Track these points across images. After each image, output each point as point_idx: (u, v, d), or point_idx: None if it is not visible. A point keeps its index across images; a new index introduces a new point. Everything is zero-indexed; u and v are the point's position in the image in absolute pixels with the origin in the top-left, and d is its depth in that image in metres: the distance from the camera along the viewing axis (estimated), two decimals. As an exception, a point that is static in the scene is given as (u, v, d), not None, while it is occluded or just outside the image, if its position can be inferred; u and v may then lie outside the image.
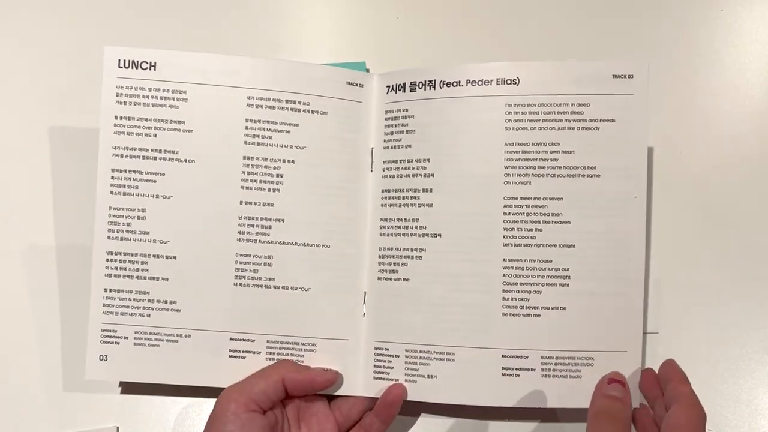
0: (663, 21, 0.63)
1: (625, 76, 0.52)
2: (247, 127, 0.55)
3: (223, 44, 0.65)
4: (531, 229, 0.52)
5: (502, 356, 0.52)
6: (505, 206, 0.53)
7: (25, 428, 0.57)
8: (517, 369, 0.52)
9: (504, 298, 0.52)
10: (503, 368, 0.52)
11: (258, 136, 0.55)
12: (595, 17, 0.64)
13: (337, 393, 0.54)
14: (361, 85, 0.57)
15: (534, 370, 0.52)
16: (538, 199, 0.52)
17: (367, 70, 0.62)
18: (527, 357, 0.52)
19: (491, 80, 0.53)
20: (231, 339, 0.54)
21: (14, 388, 0.58)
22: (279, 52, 0.65)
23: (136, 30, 0.65)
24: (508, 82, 0.53)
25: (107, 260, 0.54)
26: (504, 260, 0.52)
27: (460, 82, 0.54)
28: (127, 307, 0.54)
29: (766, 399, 0.56)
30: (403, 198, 0.55)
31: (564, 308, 0.52)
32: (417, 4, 0.65)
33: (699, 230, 0.59)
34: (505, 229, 0.53)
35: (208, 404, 0.56)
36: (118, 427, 0.57)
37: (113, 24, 0.65)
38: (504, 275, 0.52)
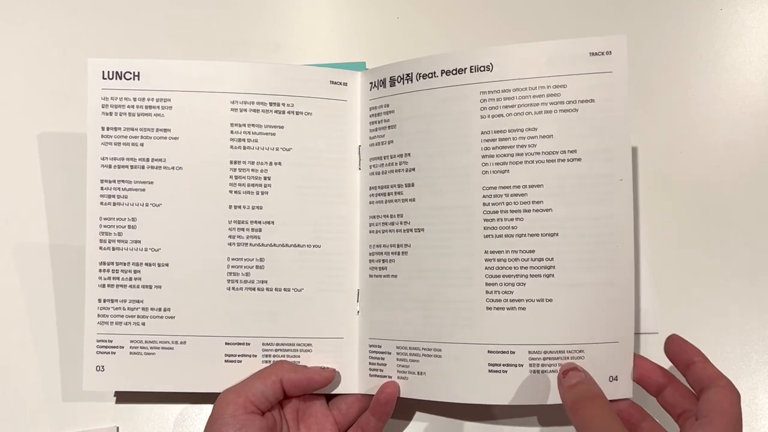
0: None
1: (602, 53, 0.50)
2: (232, 132, 0.55)
3: (223, 46, 0.65)
4: (512, 219, 0.51)
5: (488, 352, 0.50)
6: (484, 197, 0.51)
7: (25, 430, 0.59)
8: (504, 365, 0.50)
9: (487, 292, 0.51)
10: (490, 364, 0.50)
11: (244, 140, 0.55)
12: (595, 17, 0.63)
13: (333, 391, 0.54)
14: (345, 84, 0.56)
15: (522, 365, 0.50)
16: (518, 187, 0.51)
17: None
18: (514, 352, 0.50)
19: (465, 68, 0.52)
20: (226, 343, 0.54)
21: (13, 395, 0.59)
22: (279, 52, 0.65)
23: (131, 33, 0.66)
24: (482, 69, 0.52)
25: (100, 270, 0.55)
26: (485, 252, 0.51)
27: (435, 73, 0.53)
28: (122, 316, 0.55)
29: (766, 399, 0.55)
30: (388, 194, 0.54)
31: (550, 300, 0.50)
32: (417, 4, 0.66)
33: (699, 230, 0.58)
34: (485, 220, 0.51)
35: (208, 405, 0.57)
36: (118, 428, 0.58)
37: (108, 29, 0.66)
38: (486, 268, 0.51)
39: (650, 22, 0.63)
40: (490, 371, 0.50)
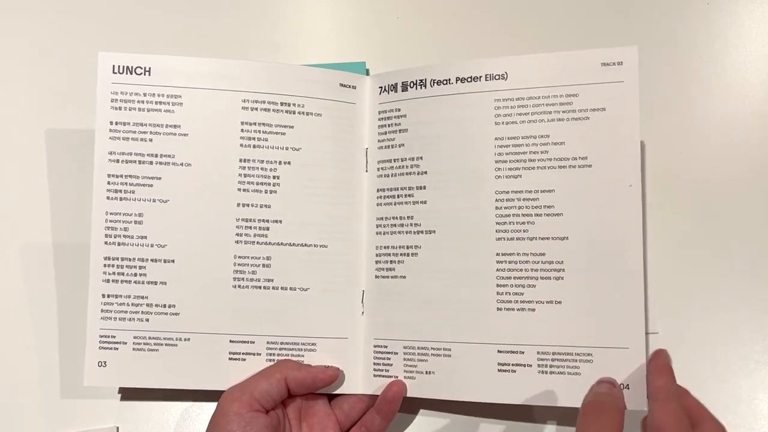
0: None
1: (614, 64, 0.51)
2: (242, 130, 0.55)
3: (223, 45, 0.66)
4: (523, 223, 0.52)
5: (498, 351, 0.51)
6: (496, 200, 0.52)
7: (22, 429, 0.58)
8: (513, 364, 0.51)
9: (498, 293, 0.52)
10: (499, 364, 0.51)
11: (254, 138, 0.55)
12: (595, 18, 0.64)
13: (337, 391, 0.54)
14: (354, 87, 0.57)
15: (530, 365, 0.51)
16: (530, 192, 0.52)
17: (367, 71, 0.62)
18: (523, 352, 0.51)
19: (480, 76, 0.54)
20: (231, 341, 0.54)
21: (11, 392, 0.58)
22: (279, 52, 0.65)
23: (134, 31, 0.66)
24: (497, 77, 0.53)
25: (105, 266, 0.54)
26: (497, 254, 0.52)
27: (450, 80, 0.54)
28: (126, 312, 0.54)
29: (766, 399, 0.55)
30: (398, 196, 0.55)
31: (559, 302, 0.51)
32: (417, 4, 0.66)
33: (699, 230, 0.59)
34: (498, 223, 0.52)
35: (209, 405, 0.57)
36: (117, 428, 0.57)
37: (112, 25, 0.66)
38: (497, 269, 0.52)
39: (649, 22, 0.63)
40: (499, 370, 0.51)
